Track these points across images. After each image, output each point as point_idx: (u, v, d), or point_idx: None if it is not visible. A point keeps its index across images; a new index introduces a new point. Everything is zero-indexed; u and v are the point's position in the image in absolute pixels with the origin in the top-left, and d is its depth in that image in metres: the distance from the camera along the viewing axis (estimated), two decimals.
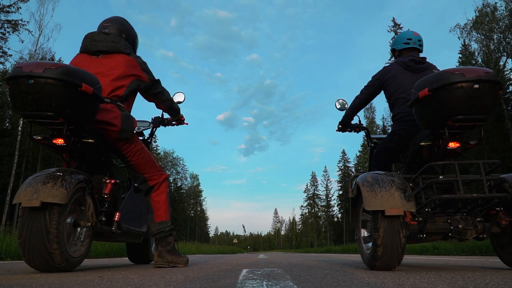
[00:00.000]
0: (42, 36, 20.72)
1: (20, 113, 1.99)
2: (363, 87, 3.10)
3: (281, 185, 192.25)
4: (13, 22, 20.62)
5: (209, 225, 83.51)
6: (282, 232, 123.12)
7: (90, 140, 2.32)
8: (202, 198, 70.42)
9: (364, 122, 29.63)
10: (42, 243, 1.94)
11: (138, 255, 3.50)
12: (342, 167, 57.58)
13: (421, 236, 2.37)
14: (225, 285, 1.66)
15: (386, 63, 31.59)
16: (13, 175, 18.93)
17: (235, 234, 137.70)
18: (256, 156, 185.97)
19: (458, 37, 24.16)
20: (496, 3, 22.43)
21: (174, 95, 3.38)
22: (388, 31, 32.48)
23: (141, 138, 3.38)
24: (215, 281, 1.80)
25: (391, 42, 3.38)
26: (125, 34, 2.73)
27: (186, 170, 63.62)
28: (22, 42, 20.44)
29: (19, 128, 19.84)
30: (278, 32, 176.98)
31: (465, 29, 23.56)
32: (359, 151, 50.59)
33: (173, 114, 3.16)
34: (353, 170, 55.66)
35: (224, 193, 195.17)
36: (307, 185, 71.94)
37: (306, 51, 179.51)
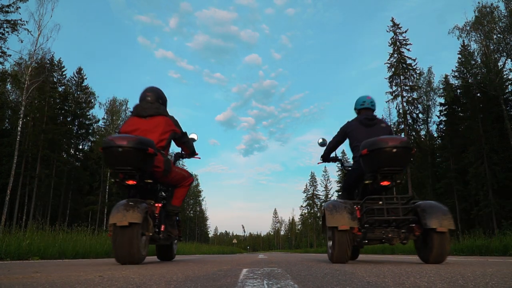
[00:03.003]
0: (41, 36, 20.62)
1: (111, 167, 3.11)
2: (334, 135, 4.33)
3: (280, 186, 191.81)
4: (12, 22, 20.53)
5: (208, 225, 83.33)
6: (282, 232, 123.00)
7: (149, 181, 3.37)
8: (201, 198, 70.32)
9: None
10: (128, 248, 2.89)
11: (165, 254, 4.47)
12: (341, 167, 57.59)
13: (365, 241, 3.51)
14: (225, 284, 1.66)
15: (385, 63, 31.66)
16: (13, 175, 18.86)
17: (234, 234, 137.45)
18: (256, 156, 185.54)
19: (458, 37, 24.16)
20: (492, 4, 22.45)
21: (190, 135, 4.31)
22: (387, 31, 32.48)
23: None
24: (215, 280, 1.80)
25: (354, 104, 4.46)
26: (161, 100, 3.81)
27: None
28: (22, 42, 20.31)
29: (19, 128, 19.80)
30: (277, 33, 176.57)
31: (465, 29, 23.57)
32: None
33: (191, 154, 4.30)
34: None
35: (223, 193, 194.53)
36: (306, 186, 71.94)
37: (306, 52, 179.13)
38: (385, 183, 3.40)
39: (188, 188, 3.89)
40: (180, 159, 4.48)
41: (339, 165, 5.22)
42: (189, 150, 4.17)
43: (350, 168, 4.36)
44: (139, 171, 3.18)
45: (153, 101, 3.68)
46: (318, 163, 4.69)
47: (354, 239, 3.45)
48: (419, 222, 3.31)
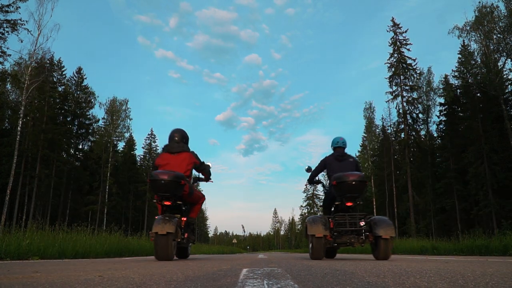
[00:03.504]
0: (41, 36, 20.56)
1: (155, 193, 4.35)
2: (316, 165, 5.79)
3: (280, 185, 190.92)
4: (12, 22, 20.52)
5: (208, 225, 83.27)
6: (282, 232, 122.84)
7: (179, 202, 4.64)
8: None
9: (363, 122, 29.97)
10: (166, 249, 4.08)
11: (183, 254, 5.51)
12: (323, 189, 57.13)
13: (335, 244, 4.92)
14: (225, 284, 1.66)
15: (385, 63, 31.66)
16: (12, 175, 18.84)
17: (234, 234, 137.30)
18: (256, 156, 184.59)
19: (458, 36, 24.10)
20: (492, 4, 22.41)
21: (206, 162, 5.42)
22: (388, 31, 32.49)
23: None
24: (215, 280, 1.80)
25: (329, 141, 6.04)
26: (185, 139, 5.09)
27: None
28: (22, 41, 20.26)
29: (18, 128, 19.78)
30: (277, 32, 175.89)
31: (464, 29, 23.54)
32: (358, 151, 50.57)
33: (207, 178, 5.50)
34: None
35: (223, 193, 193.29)
36: (306, 185, 71.84)
37: (306, 52, 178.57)
38: (349, 204, 4.84)
39: (201, 205, 5.28)
40: (198, 182, 5.64)
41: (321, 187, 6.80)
42: (206, 175, 5.43)
43: (327, 190, 5.65)
44: (173, 195, 4.42)
45: (179, 141, 4.99)
46: (305, 185, 6.44)
47: (327, 243, 4.89)
48: (371, 231, 4.63)
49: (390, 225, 4.58)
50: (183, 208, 4.95)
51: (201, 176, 5.51)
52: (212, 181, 5.65)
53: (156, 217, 4.39)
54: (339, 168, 5.32)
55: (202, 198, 5.19)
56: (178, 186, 4.32)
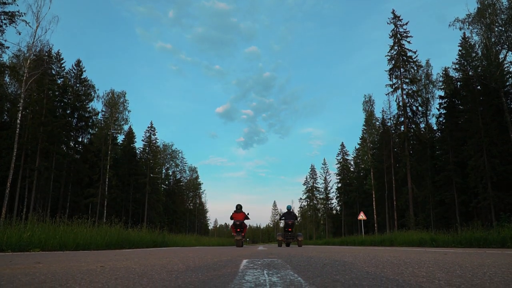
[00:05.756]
0: (39, 28, 20.45)
1: (234, 227, 13.40)
2: (282, 214, 15.11)
3: (280, 178, 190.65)
4: (10, 14, 20.34)
5: (208, 218, 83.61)
6: (281, 225, 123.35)
7: (242, 228, 13.42)
8: (201, 190, 70.33)
9: (363, 115, 30.74)
10: (240, 244, 12.79)
11: (241, 246, 12.88)
12: (341, 160, 57.23)
13: (286, 242, 14.39)
14: (226, 273, 1.68)
15: (385, 55, 31.55)
16: (12, 168, 18.87)
17: None
18: (255, 148, 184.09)
19: (460, 28, 23.91)
20: None
21: (247, 212, 14.05)
22: (388, 23, 32.25)
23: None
24: (216, 270, 1.82)
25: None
26: (241, 207, 13.84)
27: (185, 163, 63.24)
28: (20, 34, 20.06)
29: (18, 121, 19.75)
30: (277, 24, 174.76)
31: (466, 21, 23.37)
32: (358, 144, 50.63)
33: (248, 218, 13.78)
34: (352, 163, 55.76)
35: (223, 185, 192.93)
36: (306, 178, 71.78)
37: (306, 43, 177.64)
38: (289, 229, 14.02)
39: (247, 229, 13.81)
40: (246, 220, 13.41)
41: (283, 222, 15.26)
42: (248, 218, 13.42)
43: (284, 222, 14.43)
44: (240, 227, 12.90)
45: (239, 208, 13.43)
46: (278, 220, 17.42)
47: (283, 241, 14.00)
48: (296, 238, 13.61)
49: (301, 236, 13.32)
50: (242, 228, 12.58)
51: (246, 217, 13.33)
52: (250, 219, 13.48)
53: (234, 234, 12.90)
54: (287, 217, 13.85)
55: (247, 227, 13.06)
56: (242, 224, 12.70)
